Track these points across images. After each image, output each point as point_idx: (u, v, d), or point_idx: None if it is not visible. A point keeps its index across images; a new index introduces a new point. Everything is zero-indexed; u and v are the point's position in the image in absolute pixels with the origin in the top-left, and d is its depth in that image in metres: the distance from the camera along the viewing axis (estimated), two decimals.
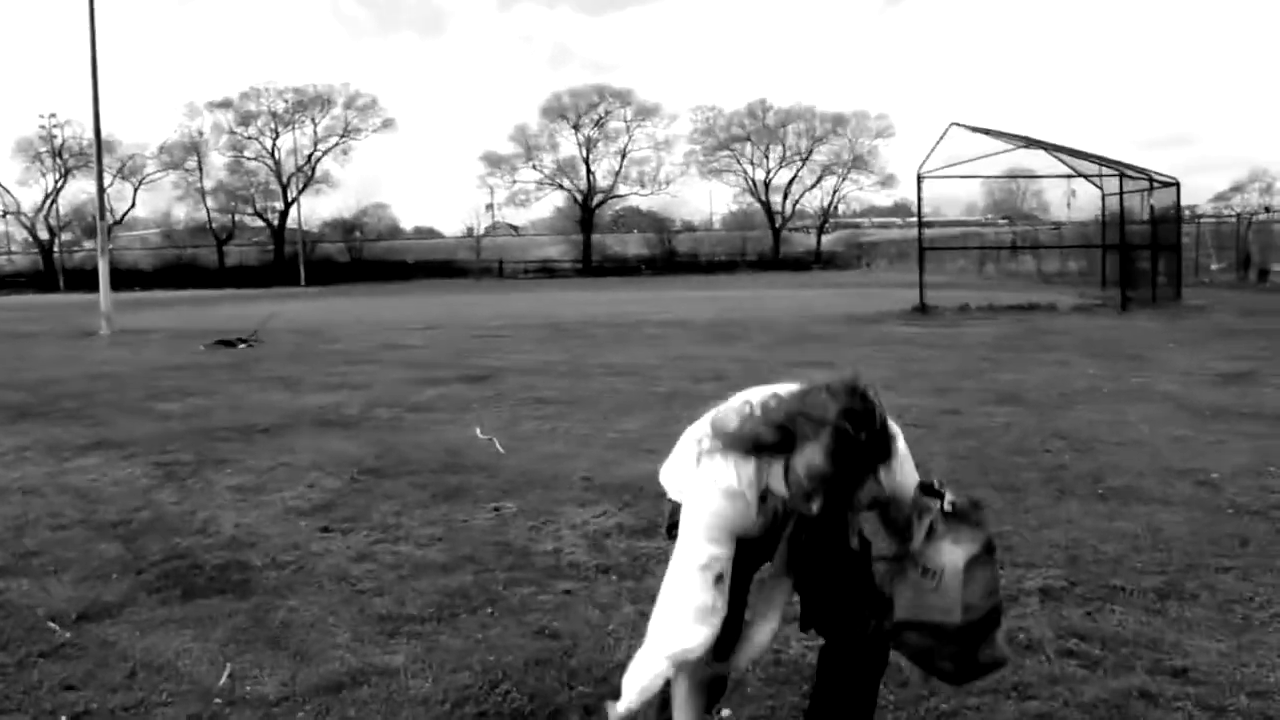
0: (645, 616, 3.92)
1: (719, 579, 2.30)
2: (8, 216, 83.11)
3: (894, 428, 2.30)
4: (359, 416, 9.41)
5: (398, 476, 6.68)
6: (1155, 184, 26.00)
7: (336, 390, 11.38)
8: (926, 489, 2.37)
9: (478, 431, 8.26)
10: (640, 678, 2.35)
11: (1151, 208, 25.73)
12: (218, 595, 4.44)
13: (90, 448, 8.07)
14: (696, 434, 2.53)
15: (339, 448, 7.77)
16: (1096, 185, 29.13)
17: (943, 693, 3.24)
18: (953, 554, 2.27)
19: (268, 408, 10.12)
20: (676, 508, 2.54)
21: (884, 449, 2.20)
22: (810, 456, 2.15)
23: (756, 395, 2.37)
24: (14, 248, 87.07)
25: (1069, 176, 32.00)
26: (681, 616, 2.33)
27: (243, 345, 17.95)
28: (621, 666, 3.49)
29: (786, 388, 2.33)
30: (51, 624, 4.14)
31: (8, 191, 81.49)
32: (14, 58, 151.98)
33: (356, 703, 3.34)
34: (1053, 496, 5.71)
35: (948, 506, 2.32)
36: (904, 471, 2.39)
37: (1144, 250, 25.73)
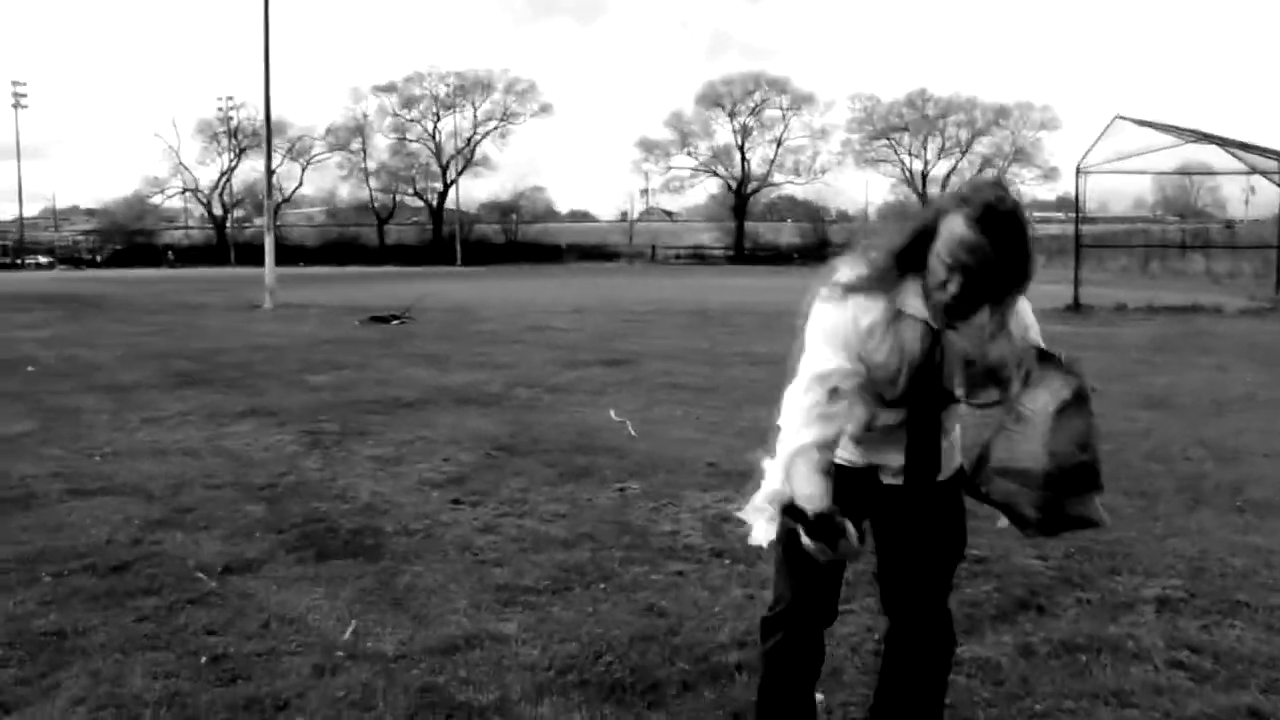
0: (753, 600, 4.03)
1: (834, 392, 2.26)
2: (187, 194, 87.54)
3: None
4: (499, 395, 9.69)
5: (529, 454, 6.89)
6: None
7: (480, 369, 11.73)
8: (1041, 354, 2.35)
9: (612, 414, 8.43)
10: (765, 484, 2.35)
11: None
12: (349, 558, 4.69)
13: (246, 414, 8.55)
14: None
15: (476, 424, 8.05)
16: (1275, 182, 27.68)
17: (1038, 693, 3.23)
18: (1044, 399, 2.26)
19: (413, 383, 10.51)
20: None
21: (1025, 255, 2.17)
22: (953, 226, 2.13)
23: None
24: (191, 223, 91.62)
25: (1246, 173, 30.49)
26: (795, 420, 2.29)
27: (395, 322, 18.60)
28: (723, 647, 3.61)
29: None
30: (200, 574, 4.46)
31: (187, 170, 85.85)
32: (198, 43, 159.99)
33: (467, 664, 3.51)
34: (1185, 506, 5.54)
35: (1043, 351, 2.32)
36: (1026, 316, 2.39)
37: None
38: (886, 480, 2.42)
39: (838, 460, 2.38)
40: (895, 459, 2.42)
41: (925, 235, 2.20)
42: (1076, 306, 21.71)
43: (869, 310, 2.29)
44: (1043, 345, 2.37)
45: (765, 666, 2.62)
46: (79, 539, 4.98)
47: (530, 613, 3.99)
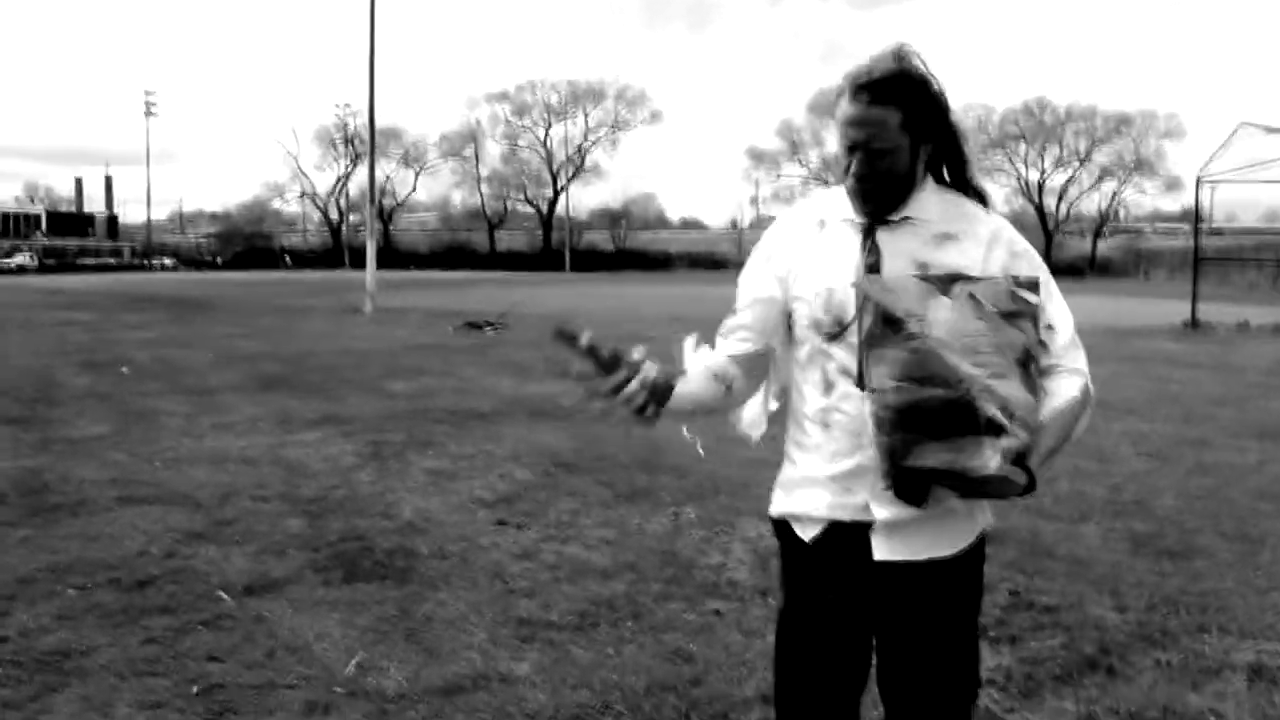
0: None
1: (733, 311, 2.24)
2: (305, 198, 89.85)
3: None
4: (574, 408, 9.46)
5: (589, 472, 6.64)
6: None
7: (563, 379, 11.53)
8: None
9: (684, 431, 8.12)
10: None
11: None
12: (377, 580, 4.50)
13: (317, 422, 8.48)
14: None
15: (543, 439, 7.84)
16: None
17: None
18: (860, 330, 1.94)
19: (491, 393, 10.37)
20: None
21: (929, 111, 2.01)
22: (840, 106, 2.00)
23: None
24: (309, 227, 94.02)
25: None
26: None
27: (489, 329, 18.57)
28: (746, 703, 3.29)
29: None
30: (221, 593, 4.30)
31: (305, 175, 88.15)
32: (320, 52, 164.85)
33: (469, 708, 3.27)
34: None
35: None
36: (1016, 244, 2.13)
37: None
38: (880, 555, 2.04)
39: (827, 516, 2.06)
40: (870, 469, 2.03)
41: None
42: (1194, 324, 20.68)
43: (797, 218, 2.17)
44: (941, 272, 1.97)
45: None
46: (112, 550, 4.89)
47: (548, 651, 3.73)
